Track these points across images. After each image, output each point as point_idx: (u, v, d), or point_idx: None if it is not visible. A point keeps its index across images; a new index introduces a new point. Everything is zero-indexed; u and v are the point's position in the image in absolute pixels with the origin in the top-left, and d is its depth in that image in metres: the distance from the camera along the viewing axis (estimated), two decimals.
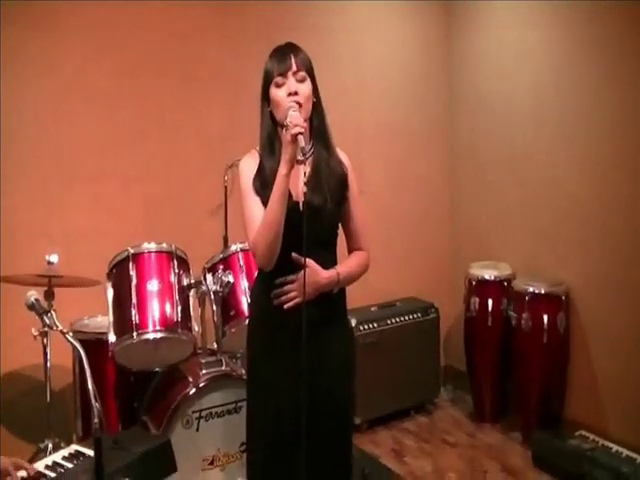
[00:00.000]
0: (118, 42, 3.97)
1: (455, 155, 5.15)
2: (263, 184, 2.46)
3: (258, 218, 2.42)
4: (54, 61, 3.81)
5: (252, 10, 4.32)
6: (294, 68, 2.45)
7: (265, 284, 2.57)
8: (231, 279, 3.31)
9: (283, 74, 2.45)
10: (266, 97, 2.52)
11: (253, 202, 2.49)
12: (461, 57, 5.01)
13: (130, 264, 3.33)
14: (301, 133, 2.30)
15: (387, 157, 4.93)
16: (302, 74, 2.47)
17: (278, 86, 2.46)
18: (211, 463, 3.31)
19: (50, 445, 3.24)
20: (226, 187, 4.07)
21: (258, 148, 2.58)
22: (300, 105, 2.42)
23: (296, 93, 2.43)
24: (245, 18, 4.31)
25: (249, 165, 2.55)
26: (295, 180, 2.45)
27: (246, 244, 3.24)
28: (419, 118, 5.04)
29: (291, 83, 2.45)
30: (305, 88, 2.46)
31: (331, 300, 2.56)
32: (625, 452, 3.65)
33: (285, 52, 2.49)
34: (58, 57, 3.82)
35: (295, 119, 2.34)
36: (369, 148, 4.80)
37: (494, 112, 4.75)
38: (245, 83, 4.31)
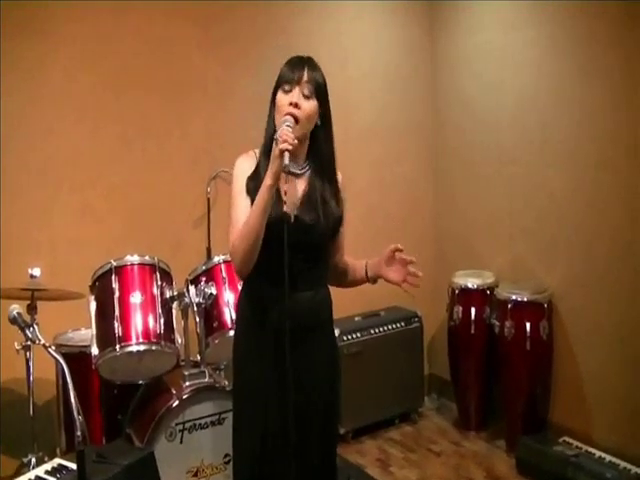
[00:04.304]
0: (103, 52, 3.96)
1: (440, 157, 5.15)
2: (258, 186, 2.39)
3: (243, 220, 2.40)
4: (40, 71, 3.80)
5: (237, 17, 4.31)
6: (305, 79, 2.41)
7: (249, 293, 2.60)
8: (214, 291, 3.33)
9: (292, 81, 2.41)
10: (274, 100, 2.48)
11: (242, 203, 2.46)
12: (445, 59, 5.03)
13: (113, 277, 3.32)
14: (288, 150, 2.25)
15: (371, 159, 4.92)
16: (310, 89, 2.41)
17: (285, 92, 2.42)
18: (195, 475, 3.30)
19: (33, 459, 3.20)
20: (209, 199, 4.09)
21: (257, 150, 2.56)
22: (297, 121, 2.38)
23: (297, 105, 2.39)
24: (230, 26, 4.30)
25: (244, 165, 2.54)
26: (291, 191, 2.44)
27: (229, 256, 3.25)
28: (404, 120, 5.06)
29: (295, 93, 2.40)
30: (308, 106, 2.41)
31: (317, 307, 2.58)
32: (608, 458, 3.68)
33: (301, 62, 2.46)
34: (44, 67, 3.81)
35: (285, 134, 2.28)
36: (353, 150, 4.77)
37: (478, 114, 4.76)
38: (230, 93, 4.33)
